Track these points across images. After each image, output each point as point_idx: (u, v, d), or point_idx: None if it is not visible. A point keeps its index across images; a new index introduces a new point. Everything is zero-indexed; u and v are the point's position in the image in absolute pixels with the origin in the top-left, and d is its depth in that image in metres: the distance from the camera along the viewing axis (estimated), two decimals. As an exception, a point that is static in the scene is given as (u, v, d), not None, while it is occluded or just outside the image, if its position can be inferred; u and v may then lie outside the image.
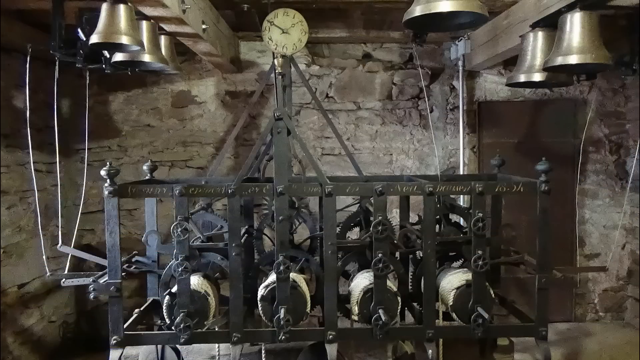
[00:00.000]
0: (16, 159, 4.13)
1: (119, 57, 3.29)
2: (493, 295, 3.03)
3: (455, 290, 2.99)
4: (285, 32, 3.91)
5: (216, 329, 3.06)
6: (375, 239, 2.86)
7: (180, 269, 2.81)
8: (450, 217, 3.49)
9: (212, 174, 3.97)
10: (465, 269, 3.12)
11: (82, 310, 4.95)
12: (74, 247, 3.37)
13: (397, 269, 3.16)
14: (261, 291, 2.96)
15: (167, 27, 3.30)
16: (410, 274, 3.32)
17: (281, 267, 2.82)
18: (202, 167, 4.97)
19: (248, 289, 3.24)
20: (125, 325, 2.92)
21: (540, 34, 3.24)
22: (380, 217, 2.85)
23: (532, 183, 2.95)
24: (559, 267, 3.14)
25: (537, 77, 3.26)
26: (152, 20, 3.22)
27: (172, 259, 2.88)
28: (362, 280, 3.08)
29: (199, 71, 4.96)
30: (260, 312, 2.97)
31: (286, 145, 2.95)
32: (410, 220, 3.60)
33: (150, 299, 3.37)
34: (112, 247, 2.84)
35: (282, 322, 2.81)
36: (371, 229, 2.89)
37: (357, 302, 2.99)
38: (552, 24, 3.06)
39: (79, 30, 3.00)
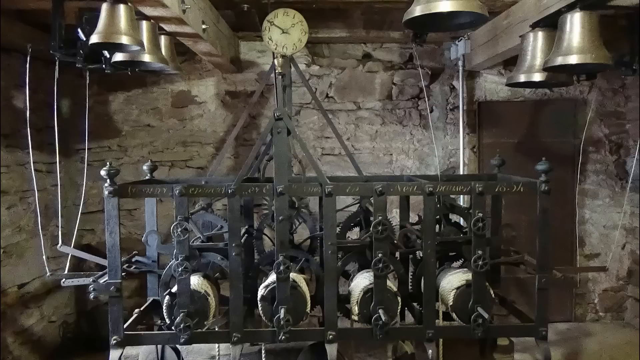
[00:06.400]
0: (16, 159, 4.13)
1: (119, 57, 3.29)
2: (493, 295, 3.03)
3: (455, 290, 2.99)
4: (285, 32, 3.91)
5: (216, 329, 3.06)
6: (375, 239, 2.86)
7: (180, 269, 2.81)
8: (450, 217, 3.49)
9: (212, 174, 3.96)
10: (465, 269, 3.12)
11: (82, 310, 4.95)
12: (74, 247, 3.36)
13: (397, 269, 3.16)
14: (261, 291, 2.96)
15: (167, 27, 3.30)
16: (410, 274, 3.31)
17: (281, 267, 2.82)
18: (202, 167, 4.98)
19: (248, 289, 3.23)
20: (125, 325, 2.92)
21: (540, 34, 3.24)
22: (380, 217, 2.85)
23: (532, 183, 2.95)
24: (559, 267, 3.14)
25: (537, 77, 3.26)
26: (152, 20, 3.22)
27: (172, 259, 2.88)
28: (362, 280, 3.08)
29: (199, 71, 4.96)
30: (260, 312, 2.97)
31: (286, 145, 2.95)
32: (410, 220, 3.60)
33: (150, 299, 3.37)
34: (112, 247, 2.84)
35: (282, 322, 2.81)
36: (371, 229, 2.88)
37: (357, 302, 2.99)
38: (552, 24, 3.06)
39: (79, 30, 3.00)
